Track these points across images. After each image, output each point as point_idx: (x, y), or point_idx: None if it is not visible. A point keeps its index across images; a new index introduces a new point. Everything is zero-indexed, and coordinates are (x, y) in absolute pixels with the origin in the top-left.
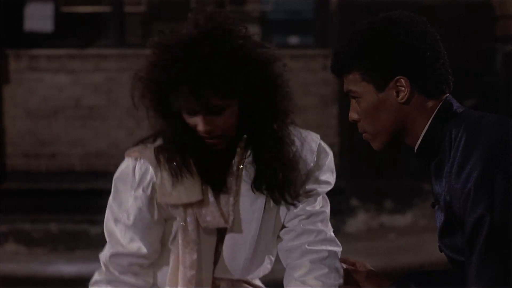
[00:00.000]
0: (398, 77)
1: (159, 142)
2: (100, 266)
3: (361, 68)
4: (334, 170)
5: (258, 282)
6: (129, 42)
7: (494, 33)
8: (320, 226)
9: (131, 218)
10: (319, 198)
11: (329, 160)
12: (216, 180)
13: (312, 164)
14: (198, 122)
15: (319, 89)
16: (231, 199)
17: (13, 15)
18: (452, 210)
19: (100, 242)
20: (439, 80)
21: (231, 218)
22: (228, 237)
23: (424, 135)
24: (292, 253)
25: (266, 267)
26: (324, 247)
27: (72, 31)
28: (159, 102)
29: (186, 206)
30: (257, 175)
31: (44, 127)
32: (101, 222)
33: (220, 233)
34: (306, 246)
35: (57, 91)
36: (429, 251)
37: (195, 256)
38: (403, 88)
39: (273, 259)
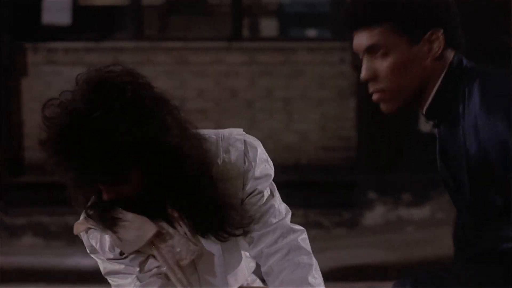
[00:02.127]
0: (434, 29)
1: (90, 204)
2: None
3: (397, 18)
4: (269, 159)
5: (257, 283)
6: (147, 35)
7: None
8: (273, 222)
9: (135, 267)
10: (265, 193)
11: (259, 153)
12: (160, 214)
13: (243, 166)
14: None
15: (337, 82)
16: (186, 230)
17: (31, 9)
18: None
19: None
20: (462, 35)
21: (199, 244)
22: (197, 261)
23: (436, 92)
24: (260, 259)
25: (249, 266)
26: (282, 243)
27: (89, 24)
28: (68, 179)
29: (155, 245)
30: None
31: None
32: None
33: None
34: (266, 250)
35: (74, 85)
36: (446, 244)
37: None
38: (438, 42)
39: (252, 264)
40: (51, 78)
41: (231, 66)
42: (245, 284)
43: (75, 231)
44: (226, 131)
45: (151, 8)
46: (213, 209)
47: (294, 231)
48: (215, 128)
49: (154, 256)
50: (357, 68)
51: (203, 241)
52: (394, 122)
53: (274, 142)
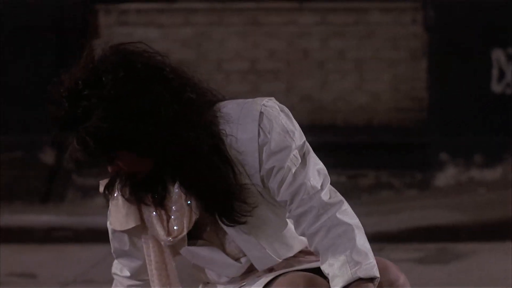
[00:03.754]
0: None
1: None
2: None
3: None
4: (290, 128)
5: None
6: None
7: None
8: (306, 199)
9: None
10: (286, 168)
11: (274, 124)
12: (155, 201)
13: (257, 137)
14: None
15: (409, 42)
16: (186, 216)
17: None
18: None
19: None
20: None
21: (179, 233)
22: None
23: None
24: (306, 239)
25: (291, 226)
26: (320, 222)
27: None
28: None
29: (143, 230)
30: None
31: None
32: None
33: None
34: (307, 231)
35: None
36: None
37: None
38: None
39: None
40: (123, 40)
41: (303, 26)
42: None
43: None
44: (250, 102)
45: None
46: (221, 191)
47: (332, 205)
48: (287, 89)
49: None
50: (429, 28)
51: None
52: (466, 83)
53: (345, 103)
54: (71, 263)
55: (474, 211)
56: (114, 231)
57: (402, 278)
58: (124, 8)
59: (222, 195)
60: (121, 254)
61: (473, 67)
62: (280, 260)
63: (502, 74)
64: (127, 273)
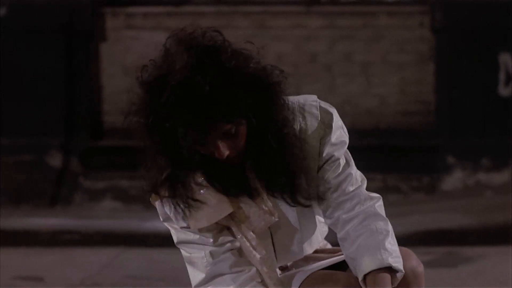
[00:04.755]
0: None
1: (165, 177)
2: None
3: None
4: (343, 125)
5: (328, 245)
6: None
7: None
8: (350, 189)
9: (206, 234)
10: (341, 161)
11: (335, 119)
12: (240, 189)
13: (319, 130)
14: (214, 150)
15: (416, 46)
16: (265, 197)
17: None
18: None
19: None
20: None
21: (275, 212)
22: (276, 229)
23: None
24: (336, 226)
25: (322, 232)
26: (360, 209)
27: None
28: (166, 143)
29: (232, 219)
30: (267, 182)
31: None
32: None
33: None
34: (344, 216)
35: (153, 49)
36: None
37: (258, 257)
38: None
39: (323, 220)
40: (131, 43)
41: (311, 30)
42: (319, 249)
43: (152, 201)
44: (301, 98)
45: None
46: (288, 172)
47: (371, 198)
48: (294, 92)
49: (228, 229)
50: (437, 31)
51: (281, 207)
52: (473, 87)
53: (353, 107)
54: (78, 266)
55: (481, 214)
56: (199, 230)
57: (421, 267)
58: (132, 12)
59: (292, 174)
60: (188, 242)
61: (480, 71)
62: (301, 257)
63: (509, 78)
64: (229, 244)
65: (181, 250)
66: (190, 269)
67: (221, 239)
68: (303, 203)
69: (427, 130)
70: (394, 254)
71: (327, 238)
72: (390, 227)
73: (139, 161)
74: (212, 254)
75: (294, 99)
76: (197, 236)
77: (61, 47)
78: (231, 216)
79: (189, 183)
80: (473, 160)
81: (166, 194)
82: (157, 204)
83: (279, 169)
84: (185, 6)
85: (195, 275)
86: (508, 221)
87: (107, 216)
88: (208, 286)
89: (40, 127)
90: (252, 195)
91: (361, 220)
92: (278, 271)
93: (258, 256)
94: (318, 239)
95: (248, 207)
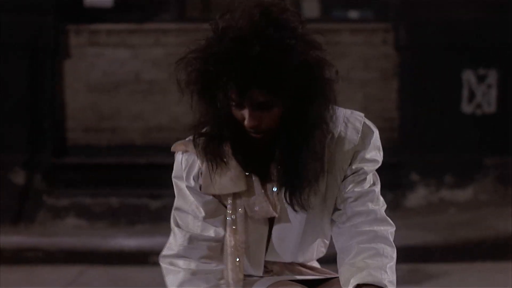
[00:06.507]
0: None
1: (204, 131)
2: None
3: None
4: (381, 148)
5: (315, 264)
6: (189, 16)
7: None
8: (370, 206)
9: (201, 209)
10: (368, 177)
11: (375, 138)
12: (261, 170)
13: (357, 143)
14: (245, 116)
15: (379, 63)
16: (275, 188)
17: None
18: None
19: (160, 216)
20: None
21: (278, 207)
22: (277, 225)
23: None
24: (342, 236)
25: (319, 250)
26: (373, 228)
27: (132, 6)
28: (206, 92)
29: (234, 196)
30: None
31: (105, 102)
32: (161, 196)
33: (270, 220)
34: (355, 228)
35: (117, 66)
36: (489, 226)
37: (242, 244)
38: None
39: (327, 242)
40: (94, 60)
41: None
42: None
43: (173, 148)
44: (348, 110)
45: None
46: (313, 172)
47: (388, 222)
48: None
49: (224, 206)
50: (400, 49)
51: (288, 211)
52: (437, 104)
53: None
54: (41, 284)
55: (445, 231)
56: (205, 194)
57: None
58: (95, 29)
59: (309, 175)
60: (212, 215)
61: (444, 88)
62: (287, 262)
63: (472, 95)
64: (212, 234)
65: (172, 215)
66: (170, 237)
67: (210, 221)
68: (304, 206)
69: (391, 147)
70: (392, 280)
71: (320, 259)
72: (395, 256)
73: (102, 178)
74: (190, 239)
75: (342, 109)
76: (193, 208)
77: (24, 64)
78: (238, 192)
79: (222, 145)
80: (437, 177)
81: (192, 149)
82: (178, 155)
83: (301, 166)
84: (149, 23)
85: (169, 246)
86: (473, 238)
87: (71, 234)
88: (171, 262)
89: (3, 143)
90: (266, 180)
91: (371, 238)
92: (254, 272)
93: (232, 241)
94: (312, 254)
95: (258, 191)
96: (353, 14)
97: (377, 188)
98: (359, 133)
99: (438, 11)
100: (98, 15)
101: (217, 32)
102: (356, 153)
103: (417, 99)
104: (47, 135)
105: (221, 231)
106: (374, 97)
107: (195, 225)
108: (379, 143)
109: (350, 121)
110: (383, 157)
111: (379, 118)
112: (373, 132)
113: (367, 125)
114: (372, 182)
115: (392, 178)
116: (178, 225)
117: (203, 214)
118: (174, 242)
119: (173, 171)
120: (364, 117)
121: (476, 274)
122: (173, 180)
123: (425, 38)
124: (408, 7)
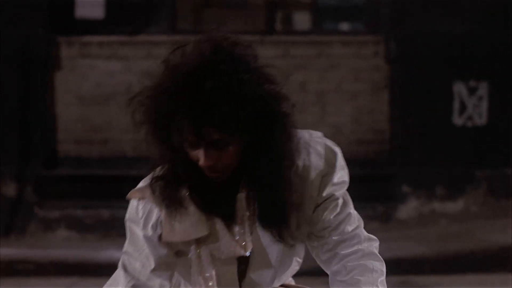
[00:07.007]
0: None
1: (161, 174)
2: None
3: None
4: (346, 166)
5: (291, 281)
6: (181, 28)
7: None
8: (349, 229)
9: (151, 261)
10: (340, 201)
11: (339, 158)
12: (224, 210)
13: (322, 168)
14: (200, 156)
15: (370, 75)
16: (247, 228)
17: (64, 3)
18: None
19: None
20: None
21: (249, 246)
22: (252, 260)
23: None
24: (331, 262)
25: (294, 269)
26: (358, 247)
27: (123, 18)
28: (160, 131)
29: (197, 241)
30: (257, 212)
31: (96, 114)
32: None
33: (242, 257)
34: (342, 252)
35: (109, 78)
36: (480, 237)
37: (211, 283)
38: None
39: (300, 260)
40: (86, 72)
41: (265, 59)
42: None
43: (129, 196)
44: (305, 133)
45: (185, 2)
46: (280, 207)
47: (370, 239)
48: None
49: (184, 254)
50: (391, 61)
51: (263, 240)
52: (428, 116)
53: None
54: None
55: (436, 243)
56: (161, 244)
57: None
58: (86, 40)
59: (284, 210)
60: (161, 269)
61: (435, 100)
62: None
63: (463, 107)
64: (156, 287)
65: (122, 257)
66: (115, 274)
67: (158, 274)
68: (288, 241)
69: (382, 159)
70: None
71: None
72: (384, 269)
73: (93, 190)
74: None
75: (299, 134)
76: (143, 257)
77: (16, 76)
78: (201, 237)
79: (179, 189)
80: (428, 189)
81: (149, 195)
82: (133, 201)
83: (272, 202)
84: (140, 35)
85: (111, 283)
86: (463, 250)
87: (62, 246)
88: None
89: None
90: (234, 221)
91: (359, 257)
92: None
93: (201, 281)
94: (288, 276)
95: (223, 233)
96: (344, 26)
97: (351, 208)
98: (322, 158)
99: (429, 23)
100: (90, 27)
101: (168, 68)
102: (323, 178)
103: (408, 111)
104: (38, 147)
105: (166, 284)
106: (365, 109)
107: (142, 273)
108: (343, 162)
109: (311, 146)
110: (374, 169)
111: (370, 130)
112: (336, 153)
113: (328, 146)
114: (343, 202)
115: (383, 190)
116: (125, 269)
117: (152, 266)
118: (116, 283)
119: (127, 214)
120: (323, 137)
121: (467, 286)
122: (127, 223)
123: (416, 50)
124: (399, 20)
